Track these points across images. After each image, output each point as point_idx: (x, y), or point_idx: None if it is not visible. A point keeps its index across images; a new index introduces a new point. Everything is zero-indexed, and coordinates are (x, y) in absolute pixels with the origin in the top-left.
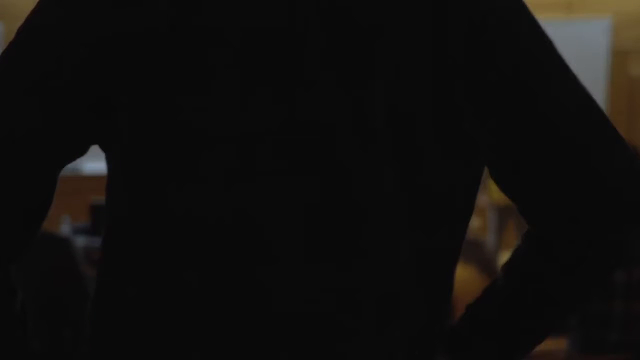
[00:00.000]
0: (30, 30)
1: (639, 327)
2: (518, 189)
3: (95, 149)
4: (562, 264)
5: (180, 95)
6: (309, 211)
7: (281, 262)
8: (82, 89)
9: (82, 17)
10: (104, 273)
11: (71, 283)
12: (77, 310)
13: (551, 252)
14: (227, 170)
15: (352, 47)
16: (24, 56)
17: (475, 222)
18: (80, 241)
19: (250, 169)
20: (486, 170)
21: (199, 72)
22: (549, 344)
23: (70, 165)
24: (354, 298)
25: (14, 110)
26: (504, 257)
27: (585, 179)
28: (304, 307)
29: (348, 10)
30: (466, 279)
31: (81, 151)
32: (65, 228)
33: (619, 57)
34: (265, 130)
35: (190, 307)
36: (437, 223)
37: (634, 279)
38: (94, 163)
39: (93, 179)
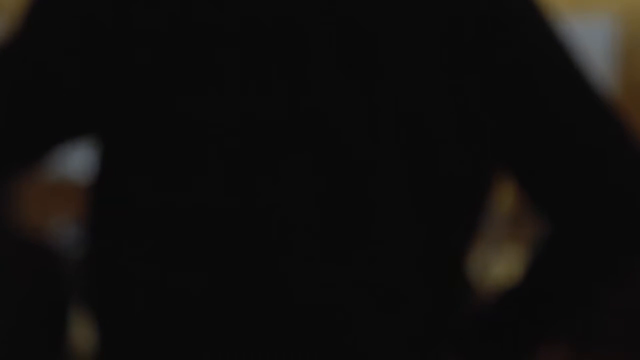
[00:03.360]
0: (31, 20)
1: (638, 323)
2: (529, 187)
3: None
4: (574, 262)
5: (183, 92)
6: (318, 205)
7: (286, 257)
8: (81, 83)
9: (82, 12)
10: (105, 272)
11: (57, 293)
12: (61, 321)
13: (562, 250)
14: (233, 165)
15: (357, 40)
16: (25, 43)
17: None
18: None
19: (257, 164)
20: None
21: (201, 68)
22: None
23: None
24: (363, 290)
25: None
26: (504, 257)
27: (592, 177)
28: (310, 302)
29: (350, 6)
30: None
31: (71, 136)
32: (68, 235)
33: (623, 55)
34: (273, 126)
35: (200, 304)
36: (445, 218)
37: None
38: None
39: None
